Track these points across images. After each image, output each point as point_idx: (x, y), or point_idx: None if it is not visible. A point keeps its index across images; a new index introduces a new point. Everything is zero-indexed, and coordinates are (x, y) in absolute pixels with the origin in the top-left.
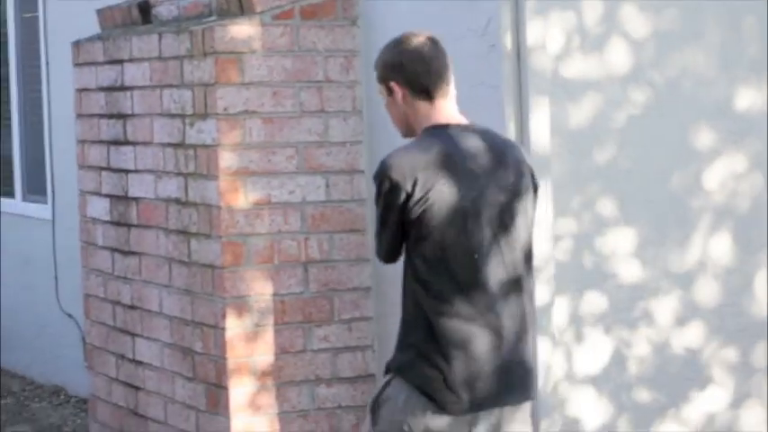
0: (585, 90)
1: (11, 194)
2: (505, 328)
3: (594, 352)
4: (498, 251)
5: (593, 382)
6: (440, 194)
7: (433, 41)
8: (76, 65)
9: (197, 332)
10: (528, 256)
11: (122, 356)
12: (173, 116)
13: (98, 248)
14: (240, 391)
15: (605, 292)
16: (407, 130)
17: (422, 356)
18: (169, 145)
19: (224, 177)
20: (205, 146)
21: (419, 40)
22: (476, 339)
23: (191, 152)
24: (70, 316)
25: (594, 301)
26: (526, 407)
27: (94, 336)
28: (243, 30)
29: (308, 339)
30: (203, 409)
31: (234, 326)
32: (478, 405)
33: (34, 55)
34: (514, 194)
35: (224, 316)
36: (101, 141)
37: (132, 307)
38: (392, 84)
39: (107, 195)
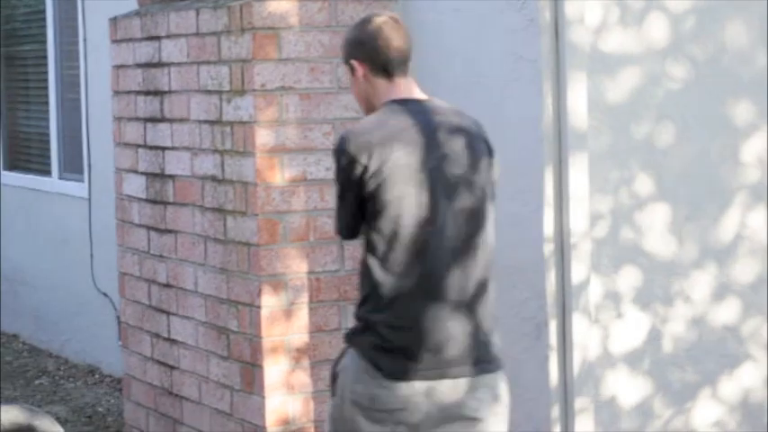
0: (624, 64)
1: (47, 173)
2: (459, 301)
3: (631, 329)
4: (454, 225)
5: (628, 360)
6: (394, 168)
7: (395, 20)
8: (114, 41)
9: (232, 310)
10: (486, 230)
11: (157, 335)
12: (210, 93)
13: (134, 226)
14: (275, 369)
15: (642, 268)
16: (369, 108)
17: (371, 326)
18: (206, 122)
19: (260, 154)
20: (242, 122)
21: (380, 19)
22: (427, 312)
23: (227, 129)
24: (105, 295)
25: (631, 278)
26: (489, 380)
27: (129, 314)
28: (280, 5)
29: (344, 317)
30: (238, 388)
31: (269, 304)
32: (425, 375)
33: (72, 32)
34: (470, 168)
35: (259, 294)
36: (137, 118)
37: (168, 285)
38: (353, 61)
39: (143, 173)
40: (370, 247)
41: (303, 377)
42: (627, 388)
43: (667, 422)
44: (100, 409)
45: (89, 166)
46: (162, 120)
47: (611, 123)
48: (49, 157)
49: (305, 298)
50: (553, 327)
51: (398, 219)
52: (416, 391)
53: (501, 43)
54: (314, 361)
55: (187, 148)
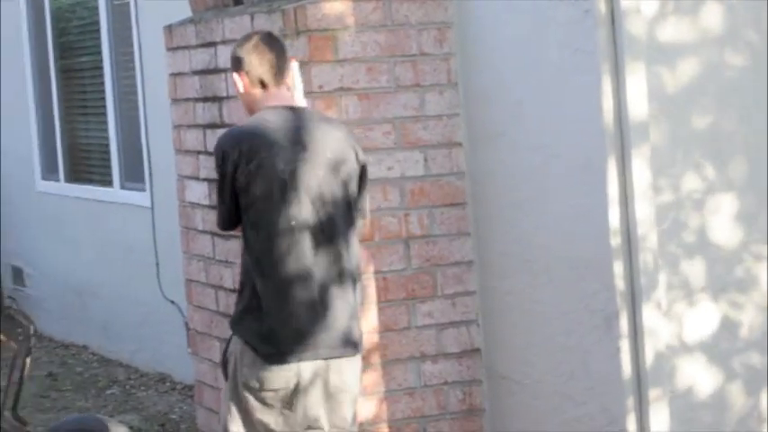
0: (682, 53)
1: (109, 183)
2: (322, 289)
3: (702, 318)
4: (315, 219)
5: (701, 349)
6: (261, 166)
7: (270, 37)
8: (169, 49)
9: None
10: (347, 225)
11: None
12: None
13: (198, 233)
14: None
15: (710, 257)
16: (252, 114)
17: (247, 312)
18: None
19: None
20: None
21: (257, 36)
22: (293, 299)
23: None
24: (173, 302)
25: (699, 267)
26: (352, 361)
27: (197, 321)
28: (335, 6)
29: (412, 316)
30: None
31: None
32: (298, 357)
33: (126, 41)
34: (332, 169)
35: None
36: (197, 125)
37: (234, 290)
38: (235, 75)
39: (205, 179)
40: (244, 238)
41: (375, 377)
42: (701, 377)
43: (743, 411)
44: (173, 417)
45: (150, 174)
46: (221, 125)
47: (672, 113)
48: (109, 168)
49: (373, 298)
50: (623, 318)
51: (266, 213)
52: (295, 372)
53: (557, 36)
54: (385, 361)
55: None
